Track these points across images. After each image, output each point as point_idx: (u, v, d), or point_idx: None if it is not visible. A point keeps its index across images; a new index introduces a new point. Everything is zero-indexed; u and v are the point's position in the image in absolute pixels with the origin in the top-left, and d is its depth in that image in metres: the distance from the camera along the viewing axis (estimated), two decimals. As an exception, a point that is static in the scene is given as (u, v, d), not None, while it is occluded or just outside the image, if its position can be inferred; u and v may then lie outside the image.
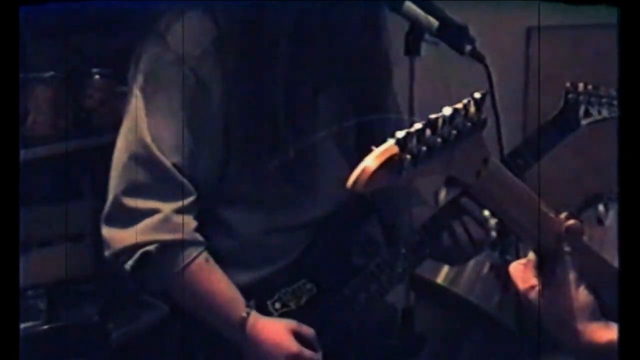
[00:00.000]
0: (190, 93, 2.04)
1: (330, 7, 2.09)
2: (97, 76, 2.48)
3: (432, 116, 1.15)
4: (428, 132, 1.14)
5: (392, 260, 2.10)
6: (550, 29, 3.20)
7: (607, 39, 1.71)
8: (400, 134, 1.12)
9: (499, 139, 1.93)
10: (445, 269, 2.41)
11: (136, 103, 2.08)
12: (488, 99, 1.67)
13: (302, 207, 2.13)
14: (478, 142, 1.23)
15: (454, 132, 1.18)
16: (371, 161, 1.13)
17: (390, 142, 1.12)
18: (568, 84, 2.28)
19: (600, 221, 2.40)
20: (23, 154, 2.36)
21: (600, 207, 2.41)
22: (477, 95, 1.20)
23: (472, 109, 1.21)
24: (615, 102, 2.32)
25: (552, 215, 1.38)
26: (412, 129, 1.13)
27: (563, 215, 1.36)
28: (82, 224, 2.45)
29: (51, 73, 2.38)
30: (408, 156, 1.11)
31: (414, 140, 1.13)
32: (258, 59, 2.06)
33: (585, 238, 1.93)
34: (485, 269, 2.50)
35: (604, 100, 2.28)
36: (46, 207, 2.45)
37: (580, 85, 2.26)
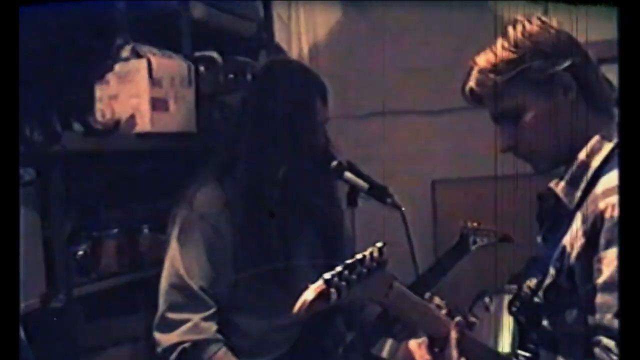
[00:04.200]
0: (210, 239, 2.54)
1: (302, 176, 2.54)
2: (145, 230, 2.90)
3: (349, 261, 1.55)
4: (346, 272, 1.53)
5: (352, 345, 2.53)
6: (450, 181, 3.65)
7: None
8: (327, 275, 1.51)
9: (414, 261, 2.50)
10: (388, 343, 2.64)
11: (173, 247, 2.56)
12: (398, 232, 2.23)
13: (290, 312, 2.44)
14: (383, 275, 1.62)
15: (364, 270, 1.55)
16: (309, 294, 1.50)
17: (320, 281, 1.51)
18: (462, 223, 2.76)
19: (487, 309, 2.74)
20: (98, 285, 2.75)
21: (486, 299, 2.77)
22: (379, 244, 1.59)
23: (376, 253, 1.58)
24: (492, 234, 2.72)
25: (443, 317, 1.81)
26: (335, 271, 1.52)
27: (455, 320, 1.75)
28: (139, 331, 2.86)
29: (116, 230, 2.79)
30: (333, 290, 1.50)
31: (336, 279, 1.51)
32: (255, 212, 2.53)
33: (474, 321, 2.51)
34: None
35: (484, 232, 2.75)
36: (112, 319, 2.88)
37: (469, 224, 2.75)
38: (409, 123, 3.65)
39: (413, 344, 1.99)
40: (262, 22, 3.72)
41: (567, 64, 1.75)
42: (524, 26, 1.81)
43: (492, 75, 1.81)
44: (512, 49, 1.79)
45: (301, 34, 3.95)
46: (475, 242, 2.74)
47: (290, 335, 2.58)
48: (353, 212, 2.45)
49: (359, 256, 1.55)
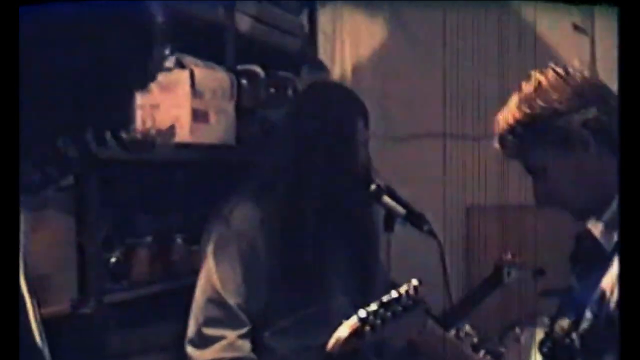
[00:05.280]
0: (246, 256, 2.54)
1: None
2: (179, 240, 2.90)
3: (385, 298, 1.56)
4: (382, 310, 1.54)
5: None
6: (485, 208, 3.46)
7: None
8: (362, 313, 1.53)
9: (448, 292, 2.38)
10: None
11: (209, 263, 2.55)
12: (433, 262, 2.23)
13: (319, 332, 2.33)
14: (418, 313, 1.63)
15: (400, 308, 1.57)
16: (343, 331, 1.55)
17: (355, 318, 1.54)
18: (497, 255, 2.79)
19: (517, 340, 2.69)
20: (129, 292, 2.76)
21: (517, 330, 2.71)
22: (414, 282, 1.61)
23: (412, 291, 1.60)
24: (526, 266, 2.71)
25: (469, 354, 1.89)
26: (371, 309, 1.54)
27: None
28: (168, 340, 2.82)
29: (149, 239, 2.79)
30: (367, 327, 1.52)
31: (372, 317, 1.53)
32: (290, 229, 2.54)
33: (503, 351, 2.48)
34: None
35: (519, 265, 2.78)
36: (141, 328, 2.87)
37: (504, 256, 2.78)
38: (447, 146, 3.55)
39: None
40: (307, 37, 3.73)
41: (582, 119, 1.71)
42: (539, 82, 1.78)
43: (510, 137, 1.81)
44: (526, 109, 1.76)
45: (345, 50, 3.95)
46: (509, 275, 2.78)
47: (319, 356, 2.41)
48: (389, 238, 2.42)
49: (394, 294, 1.57)
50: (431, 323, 1.68)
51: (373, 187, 2.44)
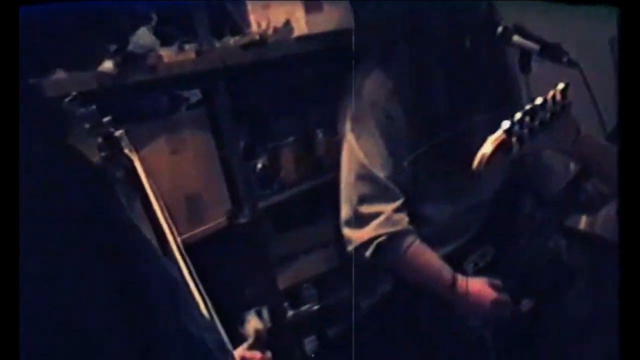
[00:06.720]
0: (384, 126, 2.48)
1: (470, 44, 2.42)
2: (320, 134, 2.88)
3: (528, 106, 1.41)
4: (527, 118, 1.38)
5: (547, 218, 2.43)
6: None
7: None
8: (506, 124, 1.36)
9: (600, 119, 2.13)
10: (584, 218, 2.63)
11: (350, 140, 2.51)
12: (577, 90, 1.94)
13: (474, 191, 2.50)
14: (568, 119, 1.49)
15: (547, 115, 1.43)
16: (487, 147, 1.38)
17: (500, 131, 1.37)
18: None
19: None
20: (281, 195, 2.77)
21: None
22: (560, 86, 1.49)
23: (559, 96, 1.46)
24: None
25: None
26: (515, 118, 1.37)
27: None
28: (328, 235, 2.88)
29: (292, 139, 2.82)
30: (514, 139, 1.36)
31: (518, 127, 1.38)
32: (421, 87, 2.47)
33: None
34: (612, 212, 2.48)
35: None
36: (298, 228, 2.92)
37: None
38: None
39: None
40: None
41: None
42: None
43: None
44: None
45: None
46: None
47: (478, 216, 2.53)
48: (527, 79, 2.23)
49: (539, 100, 1.41)
50: (585, 130, 1.55)
51: (500, 29, 2.26)
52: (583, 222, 2.64)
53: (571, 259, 2.58)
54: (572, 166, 2.27)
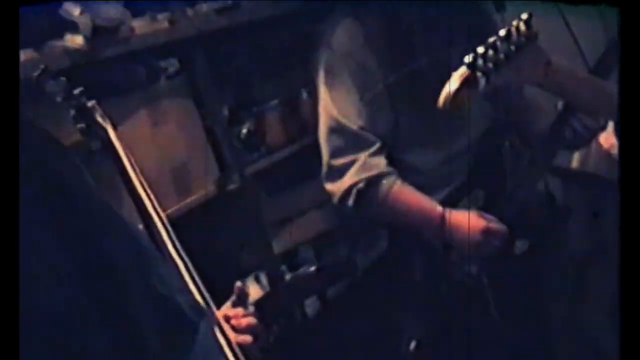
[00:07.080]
0: (358, 77, 2.43)
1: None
2: (304, 94, 2.82)
3: (490, 39, 1.36)
4: (491, 52, 1.33)
5: (535, 158, 2.40)
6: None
7: None
8: (468, 58, 1.32)
9: (583, 58, 2.07)
10: (576, 156, 2.62)
11: (323, 93, 2.49)
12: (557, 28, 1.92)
13: (459, 135, 2.45)
14: (535, 50, 1.43)
15: (512, 47, 1.37)
16: (452, 84, 1.34)
17: (463, 67, 1.32)
18: None
19: None
20: (269, 159, 2.73)
21: None
22: (524, 16, 1.41)
23: (523, 27, 1.40)
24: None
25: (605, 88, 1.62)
26: (477, 52, 1.33)
27: None
28: (323, 195, 2.64)
29: (275, 102, 2.76)
30: (479, 74, 1.33)
31: (482, 61, 1.33)
32: (394, 34, 2.41)
33: None
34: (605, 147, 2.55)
35: None
36: (289, 190, 2.88)
37: None
38: None
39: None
40: None
41: None
42: None
43: None
44: None
45: None
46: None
47: (466, 162, 2.49)
48: (503, 16, 2.20)
49: (502, 32, 1.35)
50: (556, 61, 1.48)
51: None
52: (575, 160, 2.64)
53: (566, 199, 2.57)
54: (560, 105, 2.23)
